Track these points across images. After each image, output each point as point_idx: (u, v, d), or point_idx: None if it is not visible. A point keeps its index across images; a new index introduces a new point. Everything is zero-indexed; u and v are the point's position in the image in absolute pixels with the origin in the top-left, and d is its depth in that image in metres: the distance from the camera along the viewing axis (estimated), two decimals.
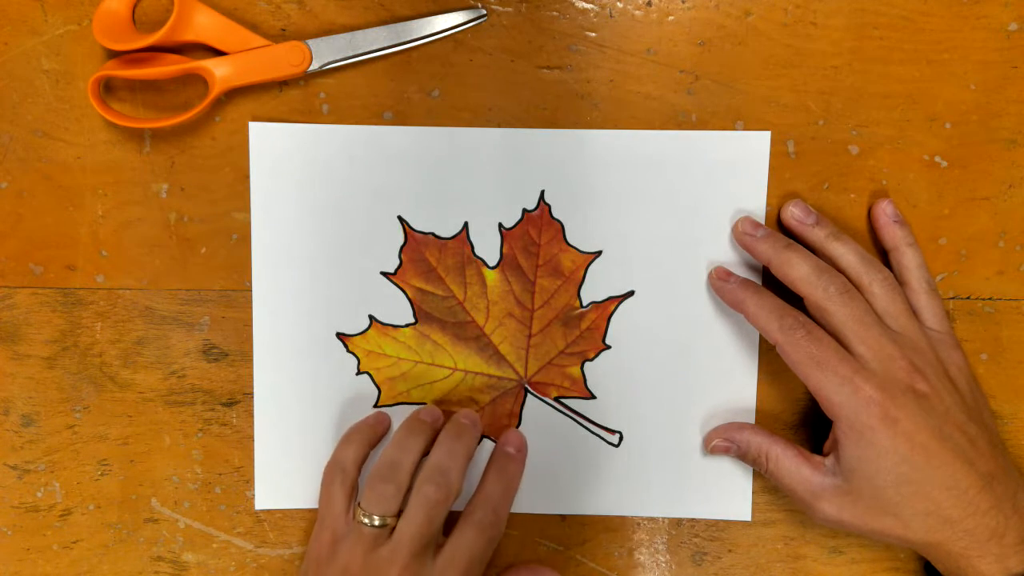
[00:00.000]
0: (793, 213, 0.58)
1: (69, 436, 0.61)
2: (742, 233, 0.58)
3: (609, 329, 0.60)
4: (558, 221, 0.59)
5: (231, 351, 0.61)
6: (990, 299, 0.60)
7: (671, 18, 0.59)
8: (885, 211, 0.58)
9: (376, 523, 0.54)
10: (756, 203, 0.59)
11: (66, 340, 0.61)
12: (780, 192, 0.59)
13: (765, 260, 0.57)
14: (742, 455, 0.58)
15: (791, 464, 0.55)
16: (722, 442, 0.58)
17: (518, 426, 0.60)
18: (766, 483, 0.61)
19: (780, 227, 0.59)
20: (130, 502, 0.62)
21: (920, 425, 0.52)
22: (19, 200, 0.60)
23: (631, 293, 0.60)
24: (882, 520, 0.53)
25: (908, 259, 0.58)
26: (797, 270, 0.55)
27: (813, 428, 0.61)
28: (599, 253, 0.59)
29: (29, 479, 0.62)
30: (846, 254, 0.56)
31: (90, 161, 0.60)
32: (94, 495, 0.62)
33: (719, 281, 0.58)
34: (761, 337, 0.60)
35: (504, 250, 0.60)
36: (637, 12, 0.59)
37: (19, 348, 0.61)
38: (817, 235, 0.57)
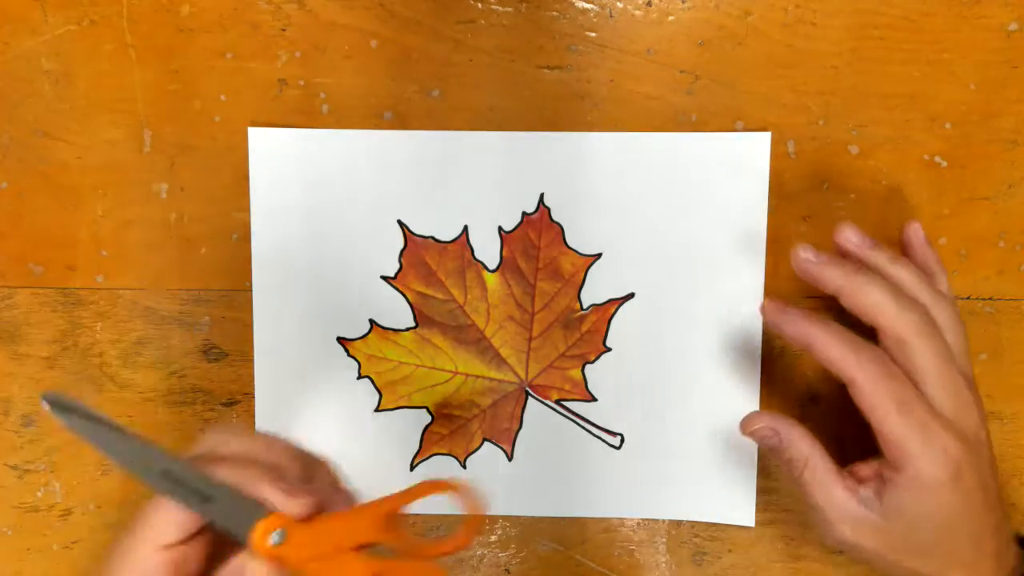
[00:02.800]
0: (849, 237, 0.54)
1: (69, 436, 0.61)
2: (803, 260, 0.52)
3: (610, 331, 0.60)
4: (557, 224, 0.59)
5: (231, 351, 0.61)
6: (990, 299, 0.60)
7: (671, 18, 0.59)
8: (917, 233, 0.56)
9: None
10: (756, 204, 0.59)
11: (66, 340, 0.61)
12: (780, 192, 0.59)
13: (834, 288, 0.51)
14: (779, 451, 0.53)
15: (827, 480, 0.52)
16: (767, 430, 0.53)
17: (519, 429, 0.61)
18: (766, 483, 0.61)
19: (778, 240, 0.59)
20: (130, 502, 0.62)
21: (976, 479, 0.50)
22: (19, 200, 0.60)
23: (631, 295, 0.60)
24: (901, 557, 0.51)
25: (943, 286, 0.55)
26: (873, 297, 0.50)
27: (812, 428, 0.61)
28: (599, 255, 0.59)
29: (29, 479, 0.62)
30: (910, 282, 0.52)
31: (90, 161, 0.60)
32: (94, 495, 0.62)
33: (779, 314, 0.52)
34: (763, 338, 0.59)
35: (504, 253, 0.60)
36: (637, 12, 0.59)
37: (19, 348, 0.61)
38: (878, 259, 0.53)
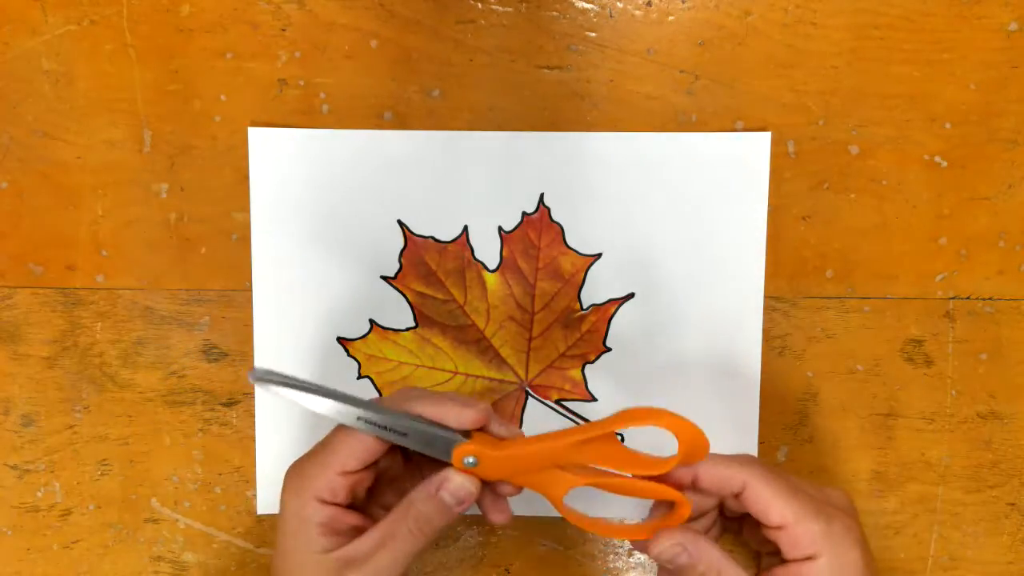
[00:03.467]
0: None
1: (69, 436, 0.61)
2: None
3: (609, 331, 0.60)
4: (557, 224, 0.59)
5: (231, 351, 0.61)
6: (990, 299, 0.60)
7: (671, 18, 0.59)
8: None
9: None
10: (756, 203, 0.59)
11: (66, 340, 0.61)
12: (780, 192, 0.59)
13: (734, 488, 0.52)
14: (690, 567, 0.51)
15: None
16: (676, 547, 0.51)
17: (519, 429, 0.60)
18: None
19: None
20: (130, 502, 0.62)
21: (869, 553, 0.50)
22: (19, 200, 0.60)
23: (631, 295, 0.60)
24: None
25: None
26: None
27: (812, 427, 0.61)
28: (599, 255, 0.59)
29: (29, 479, 0.62)
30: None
31: (90, 161, 0.60)
32: (94, 495, 0.62)
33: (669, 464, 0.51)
34: (763, 338, 0.59)
35: (504, 253, 0.60)
36: (637, 12, 0.59)
37: (19, 348, 0.61)
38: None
